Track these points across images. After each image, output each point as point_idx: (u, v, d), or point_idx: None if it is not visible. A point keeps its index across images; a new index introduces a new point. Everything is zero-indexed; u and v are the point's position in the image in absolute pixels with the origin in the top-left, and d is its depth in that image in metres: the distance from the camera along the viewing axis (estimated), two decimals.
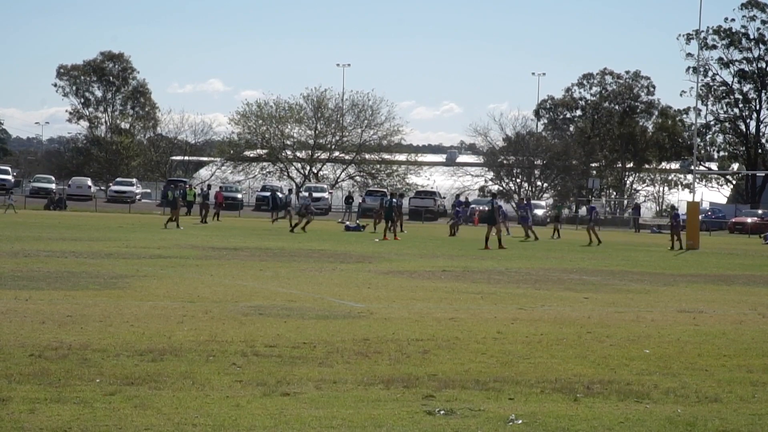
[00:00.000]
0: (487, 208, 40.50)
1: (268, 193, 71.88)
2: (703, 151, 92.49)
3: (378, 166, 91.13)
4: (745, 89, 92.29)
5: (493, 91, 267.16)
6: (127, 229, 42.30)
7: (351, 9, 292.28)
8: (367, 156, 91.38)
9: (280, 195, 63.40)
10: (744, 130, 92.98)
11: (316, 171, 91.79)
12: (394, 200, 44.08)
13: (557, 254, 34.69)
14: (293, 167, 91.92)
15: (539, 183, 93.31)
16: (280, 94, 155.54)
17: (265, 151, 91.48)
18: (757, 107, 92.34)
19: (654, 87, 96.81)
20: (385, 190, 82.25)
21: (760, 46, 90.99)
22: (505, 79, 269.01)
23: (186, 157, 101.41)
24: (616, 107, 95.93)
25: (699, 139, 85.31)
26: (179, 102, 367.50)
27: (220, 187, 68.26)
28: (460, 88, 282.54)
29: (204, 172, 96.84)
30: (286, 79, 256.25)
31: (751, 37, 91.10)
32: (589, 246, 42.14)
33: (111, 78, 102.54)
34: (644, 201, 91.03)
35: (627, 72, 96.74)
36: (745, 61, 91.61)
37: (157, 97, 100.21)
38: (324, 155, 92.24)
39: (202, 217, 55.73)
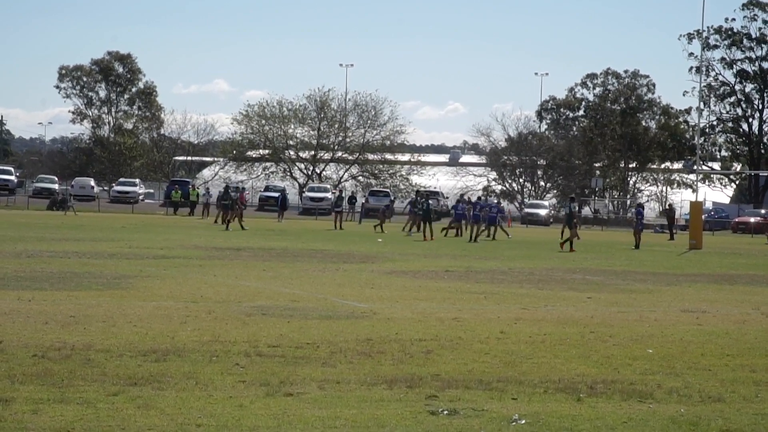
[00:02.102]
0: (564, 212, 40.62)
1: (276, 194, 71.91)
2: (705, 151, 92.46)
3: (381, 166, 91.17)
4: (747, 89, 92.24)
5: (498, 91, 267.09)
6: (130, 230, 42.32)
7: (357, 9, 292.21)
8: (369, 156, 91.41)
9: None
10: (747, 129, 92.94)
11: (318, 171, 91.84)
12: (431, 202, 45.69)
13: (560, 254, 34.68)
14: (296, 167, 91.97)
15: (542, 183, 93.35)
16: (284, 95, 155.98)
17: (267, 151, 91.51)
18: (760, 107, 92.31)
19: (654, 85, 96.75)
20: (388, 190, 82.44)
21: (762, 46, 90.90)
22: (509, 79, 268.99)
23: (189, 158, 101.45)
24: (618, 108, 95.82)
25: (702, 139, 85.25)
26: (184, 102, 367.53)
27: (243, 188, 67.72)
28: (465, 88, 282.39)
29: (207, 173, 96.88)
30: (291, 79, 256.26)
31: (753, 36, 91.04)
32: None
33: (117, 78, 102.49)
34: (647, 201, 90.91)
35: (626, 71, 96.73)
36: (747, 61, 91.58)
37: (161, 97, 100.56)
38: (327, 155, 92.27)
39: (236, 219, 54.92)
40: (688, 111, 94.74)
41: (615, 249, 40.14)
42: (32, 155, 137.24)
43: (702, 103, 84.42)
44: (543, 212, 78.04)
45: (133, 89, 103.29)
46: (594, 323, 15.03)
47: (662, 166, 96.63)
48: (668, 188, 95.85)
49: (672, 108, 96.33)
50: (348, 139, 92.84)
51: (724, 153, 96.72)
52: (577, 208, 40.35)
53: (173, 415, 8.28)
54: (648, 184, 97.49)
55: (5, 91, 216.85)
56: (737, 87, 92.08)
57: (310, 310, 15.69)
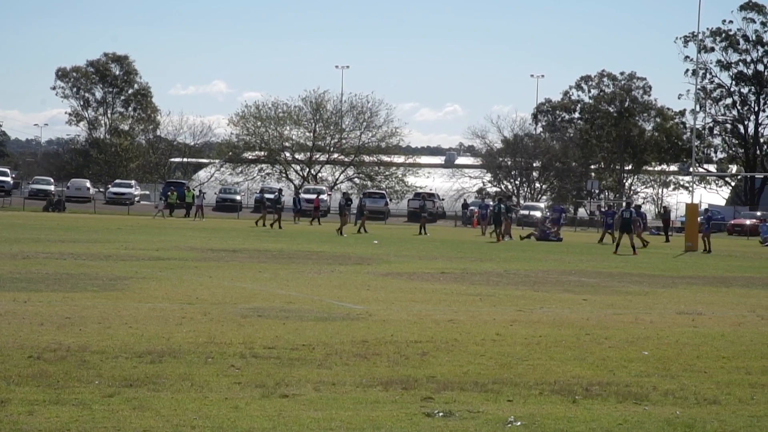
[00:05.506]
0: (626, 216, 39.67)
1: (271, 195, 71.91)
2: (701, 153, 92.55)
3: (376, 167, 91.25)
4: (743, 91, 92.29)
5: (495, 93, 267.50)
6: (126, 231, 42.28)
7: (355, 11, 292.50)
8: (365, 158, 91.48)
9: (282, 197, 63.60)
10: (743, 132, 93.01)
11: (314, 173, 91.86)
12: (502, 205, 45.90)
13: (556, 256, 34.70)
14: (292, 169, 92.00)
15: (537, 185, 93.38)
16: (279, 96, 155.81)
17: (263, 153, 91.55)
18: (756, 109, 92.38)
19: (650, 87, 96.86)
20: (384, 191, 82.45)
21: (758, 48, 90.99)
22: (506, 81, 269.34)
23: (185, 159, 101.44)
24: (613, 109, 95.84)
25: (698, 141, 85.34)
26: (182, 104, 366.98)
27: (319, 192, 68.62)
28: (463, 90, 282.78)
29: (203, 174, 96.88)
30: (289, 81, 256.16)
31: (750, 39, 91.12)
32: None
33: (113, 80, 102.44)
34: (643, 203, 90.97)
35: (622, 73, 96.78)
36: (743, 64, 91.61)
37: (159, 98, 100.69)
38: (323, 157, 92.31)
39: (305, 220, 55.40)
40: (683, 113, 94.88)
41: (611, 251, 40.06)
42: (28, 156, 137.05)
43: (698, 105, 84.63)
44: (538, 214, 78.09)
45: (129, 91, 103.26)
46: (590, 325, 15.03)
47: (658, 168, 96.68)
48: (664, 190, 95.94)
49: (668, 110, 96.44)
50: (344, 141, 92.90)
51: (720, 155, 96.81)
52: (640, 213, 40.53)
53: (169, 416, 8.28)
54: (644, 186, 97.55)
55: (1, 92, 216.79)
56: (733, 89, 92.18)
57: (305, 311, 15.68)
